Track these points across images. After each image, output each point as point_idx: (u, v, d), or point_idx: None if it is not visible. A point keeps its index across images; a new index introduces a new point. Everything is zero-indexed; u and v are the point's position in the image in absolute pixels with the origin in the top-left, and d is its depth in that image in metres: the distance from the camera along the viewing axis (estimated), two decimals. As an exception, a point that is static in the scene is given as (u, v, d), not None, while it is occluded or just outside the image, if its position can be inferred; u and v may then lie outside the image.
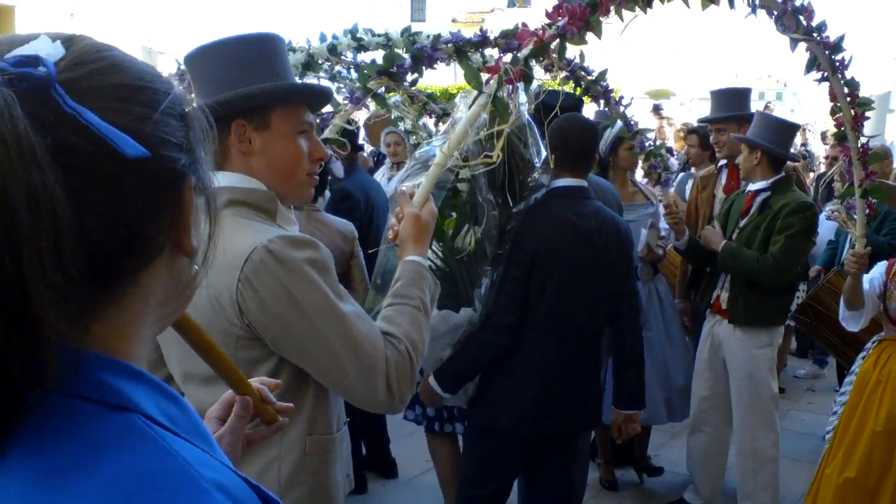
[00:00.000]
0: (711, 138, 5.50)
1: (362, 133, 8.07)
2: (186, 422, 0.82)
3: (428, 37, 4.61)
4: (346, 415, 2.13)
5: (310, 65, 4.76)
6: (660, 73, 30.83)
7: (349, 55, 4.97)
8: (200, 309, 1.85)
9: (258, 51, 1.99)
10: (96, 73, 0.76)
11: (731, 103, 5.27)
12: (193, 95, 2.06)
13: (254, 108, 1.94)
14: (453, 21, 36.03)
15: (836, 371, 6.82)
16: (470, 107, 3.02)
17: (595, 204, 3.48)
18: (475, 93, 3.16)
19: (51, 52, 0.74)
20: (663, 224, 4.93)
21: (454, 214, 3.30)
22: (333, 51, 4.84)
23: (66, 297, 0.68)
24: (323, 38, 4.87)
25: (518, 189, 3.29)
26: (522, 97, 3.24)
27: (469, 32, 4.53)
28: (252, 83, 1.94)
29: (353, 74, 5.53)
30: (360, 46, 4.85)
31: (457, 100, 3.44)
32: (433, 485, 4.73)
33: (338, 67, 5.50)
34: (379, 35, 4.82)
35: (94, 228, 0.72)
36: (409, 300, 2.05)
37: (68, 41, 0.77)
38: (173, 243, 0.83)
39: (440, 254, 3.33)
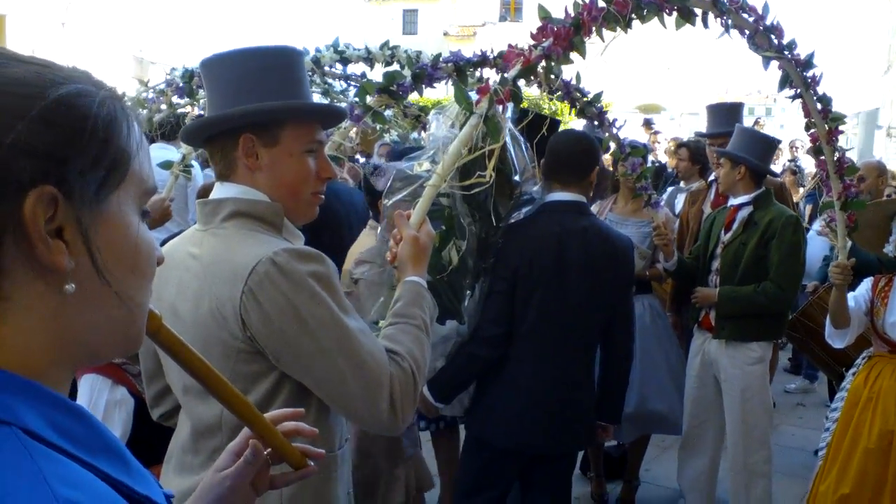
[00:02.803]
0: (708, 152, 5.54)
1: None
2: (90, 438, 0.82)
3: (406, 51, 4.67)
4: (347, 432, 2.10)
5: None
6: (650, 88, 30.98)
7: (339, 67, 5.04)
8: (202, 322, 1.82)
9: (275, 64, 1.96)
10: None
11: (729, 118, 5.31)
12: (205, 102, 2.04)
13: (263, 123, 1.92)
14: (445, 35, 36.10)
15: (826, 386, 6.82)
16: (455, 125, 3.02)
17: (589, 219, 3.47)
18: (449, 108, 3.18)
19: None
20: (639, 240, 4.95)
21: (443, 227, 3.25)
22: (317, 63, 4.92)
23: None
24: (306, 52, 4.95)
25: (504, 203, 3.26)
26: (505, 111, 3.17)
27: (459, 46, 4.61)
28: (265, 97, 1.90)
29: (342, 85, 5.57)
30: (343, 59, 4.93)
31: (430, 116, 3.44)
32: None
33: (330, 81, 5.55)
34: (359, 49, 4.92)
35: None
36: (411, 319, 2.03)
37: None
38: (26, 256, 0.80)
39: None
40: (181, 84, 5.09)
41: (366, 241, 3.78)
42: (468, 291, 3.34)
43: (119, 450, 0.85)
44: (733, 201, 4.61)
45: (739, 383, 4.44)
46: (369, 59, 4.91)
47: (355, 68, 5.27)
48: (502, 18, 37.02)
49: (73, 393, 2.92)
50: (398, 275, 2.21)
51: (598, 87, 4.51)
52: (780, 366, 7.76)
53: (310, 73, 5.00)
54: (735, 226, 4.52)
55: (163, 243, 2.71)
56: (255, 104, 1.90)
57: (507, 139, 3.15)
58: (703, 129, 5.96)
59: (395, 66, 4.67)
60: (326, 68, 5.12)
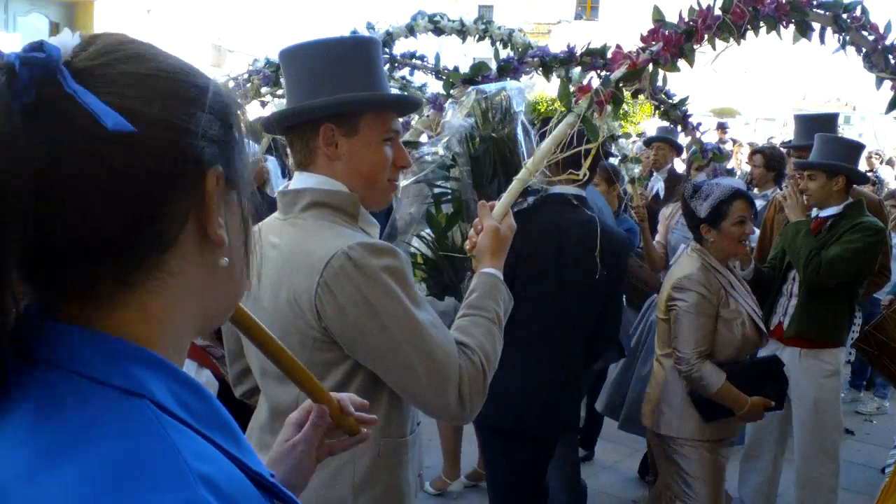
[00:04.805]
0: (790, 165, 5.42)
1: (424, 137, 8.15)
2: (208, 413, 0.83)
3: (500, 28, 4.68)
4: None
5: (386, 43, 4.91)
6: (725, 91, 30.43)
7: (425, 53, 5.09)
8: (280, 310, 1.88)
9: (353, 55, 2.01)
10: (111, 62, 0.80)
11: (822, 131, 5.11)
12: (282, 92, 2.10)
13: (344, 113, 1.97)
14: (519, 31, 35.93)
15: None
16: (471, 115, 3.28)
17: (588, 213, 3.55)
18: (465, 99, 3.40)
19: (66, 40, 0.79)
20: None
21: (452, 209, 3.53)
22: (411, 30, 4.97)
23: (88, 269, 0.76)
24: (397, 23, 5.02)
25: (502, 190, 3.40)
26: (517, 105, 3.47)
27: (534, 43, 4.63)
28: (345, 87, 1.95)
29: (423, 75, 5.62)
30: (437, 29, 4.95)
31: (446, 105, 3.57)
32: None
33: (408, 77, 5.61)
34: (454, 21, 4.93)
35: (93, 204, 0.76)
36: (485, 312, 2.06)
37: (93, 37, 0.83)
38: (198, 231, 0.85)
39: (430, 245, 3.55)
40: (268, 72, 5.18)
41: (686, 264, 3.75)
42: (469, 272, 3.45)
43: (232, 426, 0.87)
44: (821, 213, 4.46)
45: (812, 396, 4.37)
46: (463, 31, 4.91)
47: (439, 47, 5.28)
48: (578, 17, 36.71)
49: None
50: (475, 265, 2.25)
51: (674, 88, 4.49)
52: (845, 379, 7.58)
53: (386, 55, 5.07)
54: (822, 232, 4.39)
55: None
56: (336, 95, 1.95)
57: (519, 130, 3.37)
58: (777, 134, 5.85)
59: (487, 42, 4.69)
60: (399, 57, 5.17)
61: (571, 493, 4.48)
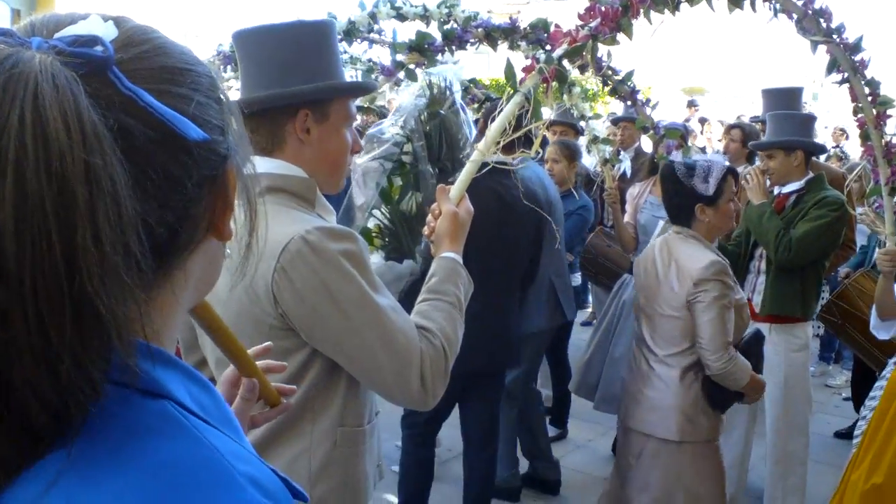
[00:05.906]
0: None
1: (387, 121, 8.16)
2: (216, 410, 0.79)
3: (464, 11, 4.68)
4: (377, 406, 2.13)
5: (350, 32, 4.93)
6: (694, 70, 30.56)
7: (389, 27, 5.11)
8: (235, 297, 1.85)
9: (319, 40, 2.00)
10: (144, 54, 0.74)
11: (787, 104, 5.10)
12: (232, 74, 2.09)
13: (319, 100, 1.97)
14: (489, 13, 35.82)
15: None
16: (421, 95, 3.68)
17: (517, 180, 3.88)
18: (419, 84, 3.71)
19: (106, 32, 0.71)
20: None
21: (400, 182, 3.87)
22: (373, 17, 4.96)
23: (128, 280, 0.65)
24: (363, 7, 4.99)
25: (452, 162, 3.77)
26: (456, 85, 3.80)
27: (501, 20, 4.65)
28: (319, 74, 1.96)
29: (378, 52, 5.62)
30: (400, 15, 4.93)
31: (402, 85, 3.94)
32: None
33: (374, 59, 5.58)
34: (416, 6, 4.91)
35: (149, 211, 0.70)
36: (445, 296, 2.06)
37: (117, 22, 0.75)
38: (213, 227, 0.83)
39: (387, 214, 3.84)
40: (229, 52, 5.14)
41: (695, 252, 3.49)
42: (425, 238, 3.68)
43: (236, 423, 0.83)
44: (784, 189, 4.50)
45: (782, 372, 4.40)
46: (426, 16, 4.87)
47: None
48: (547, -4, 36.66)
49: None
50: (434, 250, 2.25)
51: (644, 68, 4.49)
52: (813, 353, 7.64)
53: (341, 37, 5.04)
54: (787, 208, 4.43)
55: None
56: (315, 83, 1.94)
57: (460, 108, 3.78)
58: (746, 112, 5.86)
59: (452, 25, 4.69)
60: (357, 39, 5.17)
61: (538, 449, 5.05)
